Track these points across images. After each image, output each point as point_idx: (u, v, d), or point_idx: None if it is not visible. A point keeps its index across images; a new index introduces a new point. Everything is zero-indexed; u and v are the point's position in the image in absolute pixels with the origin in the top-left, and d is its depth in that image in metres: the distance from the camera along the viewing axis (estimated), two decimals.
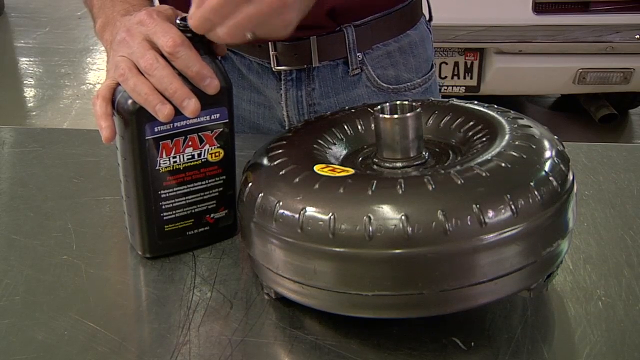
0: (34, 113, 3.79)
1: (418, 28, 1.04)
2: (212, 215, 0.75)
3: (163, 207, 0.73)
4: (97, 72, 4.24)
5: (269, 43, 0.96)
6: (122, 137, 0.70)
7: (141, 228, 0.74)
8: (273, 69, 0.98)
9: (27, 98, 4.01)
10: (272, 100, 1.01)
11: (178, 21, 0.69)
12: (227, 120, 0.72)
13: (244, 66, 1.01)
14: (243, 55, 1.00)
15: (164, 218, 0.74)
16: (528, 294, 0.62)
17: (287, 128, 1.00)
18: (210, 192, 0.74)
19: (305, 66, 0.98)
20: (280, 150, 0.69)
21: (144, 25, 0.68)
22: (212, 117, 0.71)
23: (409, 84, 1.03)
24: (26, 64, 4.48)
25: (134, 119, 0.69)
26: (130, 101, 0.68)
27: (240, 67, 1.01)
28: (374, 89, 1.01)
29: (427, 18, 1.09)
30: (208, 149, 0.72)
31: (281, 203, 0.61)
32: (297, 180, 0.63)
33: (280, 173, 0.65)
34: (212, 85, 0.68)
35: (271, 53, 0.97)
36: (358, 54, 0.98)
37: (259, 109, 1.02)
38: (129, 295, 0.72)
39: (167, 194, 0.73)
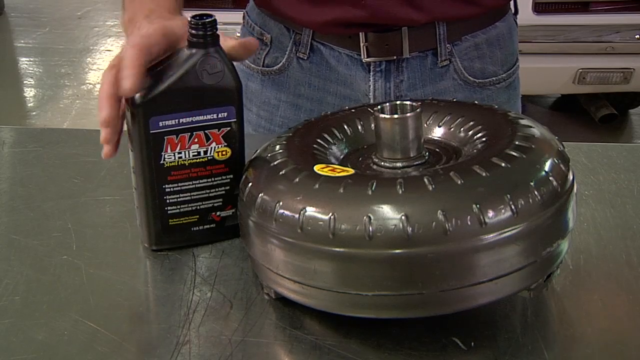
0: (34, 113, 3.80)
1: (506, 20, 1.04)
2: (218, 213, 0.76)
3: (167, 201, 0.73)
4: (97, 72, 4.24)
5: (360, 34, 0.97)
6: (130, 130, 0.71)
7: (147, 220, 0.75)
8: (363, 61, 0.99)
9: (27, 98, 4.01)
10: (359, 93, 1.01)
11: (189, 19, 0.69)
12: (235, 120, 0.72)
13: (332, 58, 1.01)
14: (332, 47, 1.00)
15: (168, 212, 0.74)
16: (528, 294, 0.62)
17: None
18: (217, 190, 0.74)
19: (395, 57, 0.98)
20: (280, 150, 0.69)
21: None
22: (220, 115, 0.71)
23: (493, 78, 1.03)
24: (26, 64, 4.48)
25: (140, 112, 0.69)
26: (137, 94, 0.68)
27: (329, 59, 1.01)
28: (460, 82, 1.01)
29: (513, 11, 1.08)
30: (214, 147, 0.72)
31: (281, 203, 0.61)
32: (297, 180, 0.63)
33: (280, 173, 0.65)
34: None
35: (362, 44, 0.97)
36: (447, 45, 0.99)
37: (344, 102, 1.02)
38: (129, 295, 0.72)
39: (172, 189, 0.73)
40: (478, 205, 0.57)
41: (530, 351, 0.62)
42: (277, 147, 0.70)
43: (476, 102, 0.77)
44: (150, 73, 0.70)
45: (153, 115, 0.69)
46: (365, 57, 0.98)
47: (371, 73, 0.99)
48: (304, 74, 1.02)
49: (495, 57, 1.03)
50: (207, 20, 0.69)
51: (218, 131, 0.72)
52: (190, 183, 0.73)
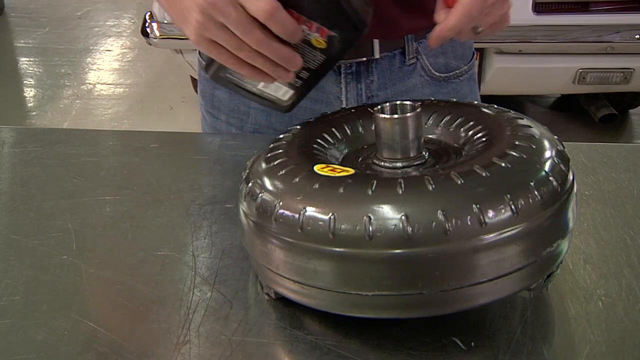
0: (34, 113, 3.80)
1: None
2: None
3: None
4: (97, 72, 4.24)
5: None
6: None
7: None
8: None
9: (27, 98, 4.02)
10: (331, 95, 1.02)
11: None
12: None
13: None
14: None
15: None
16: (528, 294, 0.62)
17: None
18: None
19: (365, 59, 0.99)
20: (280, 150, 0.69)
21: None
22: None
23: (457, 71, 1.06)
24: (26, 64, 4.48)
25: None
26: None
27: None
28: (427, 78, 1.04)
29: None
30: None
31: (281, 203, 0.61)
32: (297, 180, 0.63)
33: (280, 173, 0.65)
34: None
35: None
36: (414, 44, 1.01)
37: (315, 105, 1.02)
38: (129, 295, 0.72)
39: None
40: (478, 205, 0.57)
41: (530, 351, 0.62)
42: (277, 147, 0.70)
43: (475, 102, 0.77)
44: None
45: None
46: None
47: (342, 75, 1.00)
48: None
49: (457, 51, 1.06)
50: None
51: None
52: None
